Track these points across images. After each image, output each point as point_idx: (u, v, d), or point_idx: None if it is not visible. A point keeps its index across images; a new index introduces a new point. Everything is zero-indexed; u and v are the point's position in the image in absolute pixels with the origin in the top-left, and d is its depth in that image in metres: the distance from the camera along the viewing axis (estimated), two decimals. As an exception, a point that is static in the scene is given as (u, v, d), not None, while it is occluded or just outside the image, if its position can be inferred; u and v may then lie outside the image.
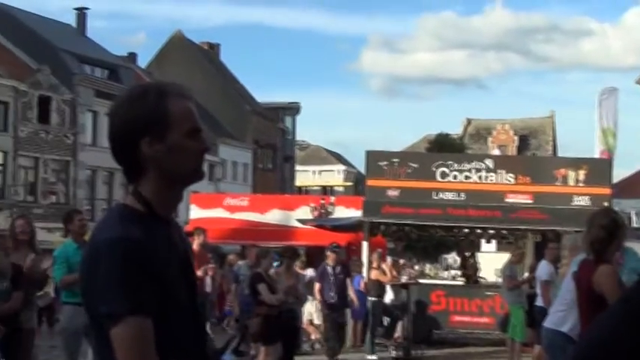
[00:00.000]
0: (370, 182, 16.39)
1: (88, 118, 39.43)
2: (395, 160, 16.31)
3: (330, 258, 13.43)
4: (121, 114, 2.25)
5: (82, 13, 45.97)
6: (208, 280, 16.13)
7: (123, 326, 2.06)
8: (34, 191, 36.67)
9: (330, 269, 13.32)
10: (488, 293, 16.04)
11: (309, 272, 15.87)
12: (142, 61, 52.83)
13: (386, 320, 16.17)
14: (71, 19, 45.82)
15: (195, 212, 22.71)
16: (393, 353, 14.71)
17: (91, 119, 39.59)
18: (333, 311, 13.34)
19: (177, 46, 53.97)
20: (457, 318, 16.09)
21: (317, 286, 13.58)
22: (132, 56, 50.26)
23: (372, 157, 16.51)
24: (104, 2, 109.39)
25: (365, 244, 16.24)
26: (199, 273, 12.90)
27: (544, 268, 10.60)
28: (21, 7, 42.35)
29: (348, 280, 13.69)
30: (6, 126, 35.09)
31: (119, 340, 2.07)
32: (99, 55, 43.20)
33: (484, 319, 15.85)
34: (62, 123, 38.01)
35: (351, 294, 13.80)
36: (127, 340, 2.07)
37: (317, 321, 15.42)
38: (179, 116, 2.24)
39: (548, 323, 6.35)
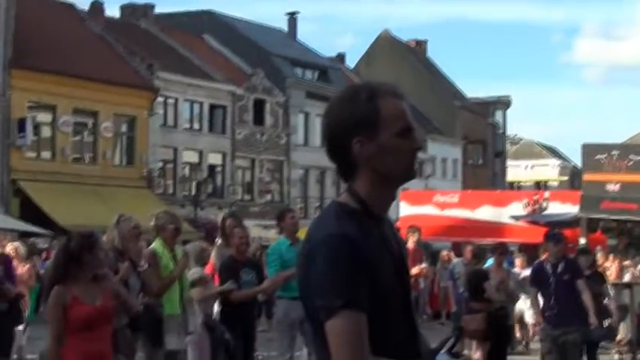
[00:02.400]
0: (587, 176, 15.74)
1: (299, 119, 40.71)
2: (615, 152, 15.57)
3: (549, 251, 9.31)
4: (333, 115, 2.28)
5: (292, 17, 47.50)
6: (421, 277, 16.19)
7: (338, 319, 2.08)
8: (251, 190, 38.38)
9: (548, 267, 9.13)
10: None
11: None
12: (351, 62, 53.86)
13: (606, 322, 15.38)
14: (283, 24, 47.54)
15: (405, 209, 22.78)
16: (616, 357, 13.97)
17: (303, 120, 40.85)
18: (554, 327, 9.08)
19: (385, 45, 54.44)
20: (688, 321, 14.98)
21: (535, 291, 9.43)
22: (340, 57, 51.31)
23: (589, 150, 15.85)
24: (313, 6, 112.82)
25: (583, 242, 15.57)
26: (414, 271, 12.94)
27: None
28: (236, 16, 44.52)
29: (580, 283, 9.06)
30: (224, 129, 36.96)
31: (334, 333, 2.09)
32: (309, 57, 44.47)
33: None
34: (276, 124, 39.51)
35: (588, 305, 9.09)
36: (342, 333, 2.09)
37: (528, 319, 14.89)
38: (390, 116, 2.25)
39: None
